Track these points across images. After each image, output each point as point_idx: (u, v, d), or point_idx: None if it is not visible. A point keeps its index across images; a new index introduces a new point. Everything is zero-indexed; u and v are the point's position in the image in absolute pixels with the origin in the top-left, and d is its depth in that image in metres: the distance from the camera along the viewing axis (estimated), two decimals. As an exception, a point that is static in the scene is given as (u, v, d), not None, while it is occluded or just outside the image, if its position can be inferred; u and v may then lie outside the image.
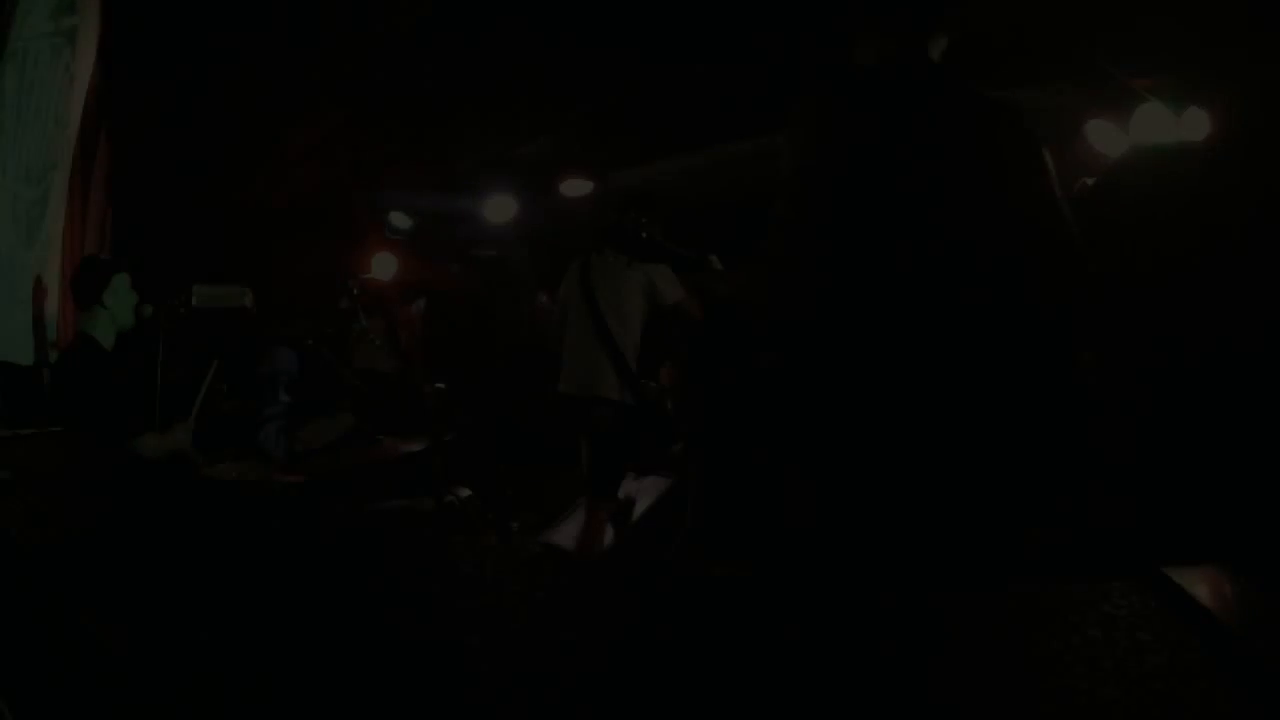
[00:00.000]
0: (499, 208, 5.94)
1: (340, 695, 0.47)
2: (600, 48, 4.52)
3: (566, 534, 4.37)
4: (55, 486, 1.03)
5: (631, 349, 3.86)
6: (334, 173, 6.59)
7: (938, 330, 1.64)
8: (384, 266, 6.38)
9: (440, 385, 2.91)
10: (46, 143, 4.11)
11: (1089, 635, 0.53)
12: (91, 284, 3.28)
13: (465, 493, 4.02)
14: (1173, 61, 3.47)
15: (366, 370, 4.72)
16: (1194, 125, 3.38)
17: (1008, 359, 1.69)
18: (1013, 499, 1.69)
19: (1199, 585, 0.57)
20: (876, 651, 0.55)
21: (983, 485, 1.65)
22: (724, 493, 3.83)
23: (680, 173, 5.63)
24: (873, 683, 0.51)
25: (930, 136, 1.67)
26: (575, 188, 5.74)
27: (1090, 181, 3.70)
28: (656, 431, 3.94)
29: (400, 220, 6.40)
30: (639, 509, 4.45)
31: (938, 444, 1.63)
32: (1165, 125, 3.44)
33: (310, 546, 0.82)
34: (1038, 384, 1.74)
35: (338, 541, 0.83)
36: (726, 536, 3.74)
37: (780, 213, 1.78)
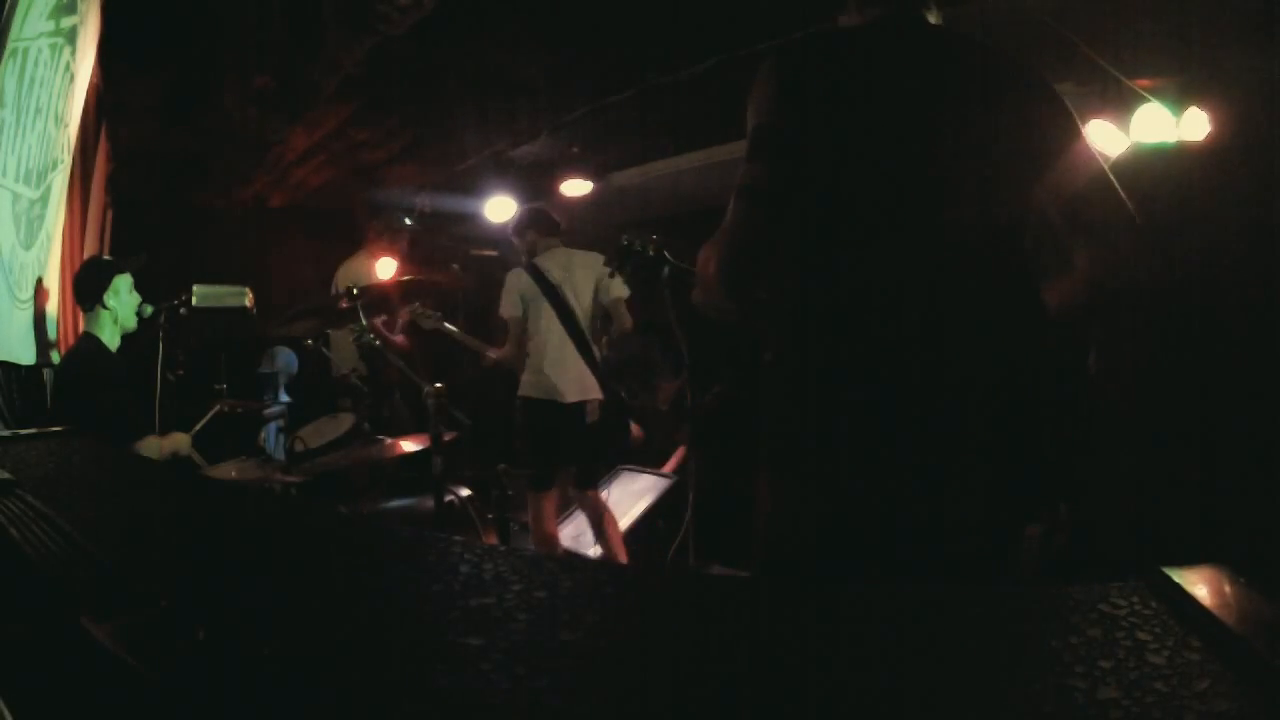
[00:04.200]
0: (499, 208, 5.95)
1: (339, 695, 0.47)
2: (600, 48, 4.52)
3: (566, 534, 4.38)
4: (55, 486, 1.02)
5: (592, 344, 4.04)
6: (334, 173, 6.60)
7: (941, 294, 1.39)
8: (385, 268, 6.39)
9: (440, 385, 2.91)
10: (46, 143, 4.11)
11: (1089, 635, 0.52)
12: (93, 285, 3.28)
13: (465, 493, 4.02)
14: (1173, 62, 3.47)
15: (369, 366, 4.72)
16: (1194, 125, 3.38)
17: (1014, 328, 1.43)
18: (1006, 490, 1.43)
19: (1199, 585, 0.57)
20: (875, 650, 0.55)
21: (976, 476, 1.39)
22: (720, 492, 3.84)
23: (680, 173, 5.63)
24: (871, 682, 0.51)
25: (916, 83, 1.46)
26: (575, 188, 5.75)
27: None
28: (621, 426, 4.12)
29: (400, 220, 6.40)
30: (639, 509, 4.45)
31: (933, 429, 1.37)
32: (1165, 125, 3.44)
33: (310, 546, 0.82)
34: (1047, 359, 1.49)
35: (338, 541, 0.83)
36: (723, 536, 3.74)
37: (755, 170, 1.51)
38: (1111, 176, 1.44)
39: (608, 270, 3.83)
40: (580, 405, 3.94)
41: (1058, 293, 1.47)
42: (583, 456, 4.03)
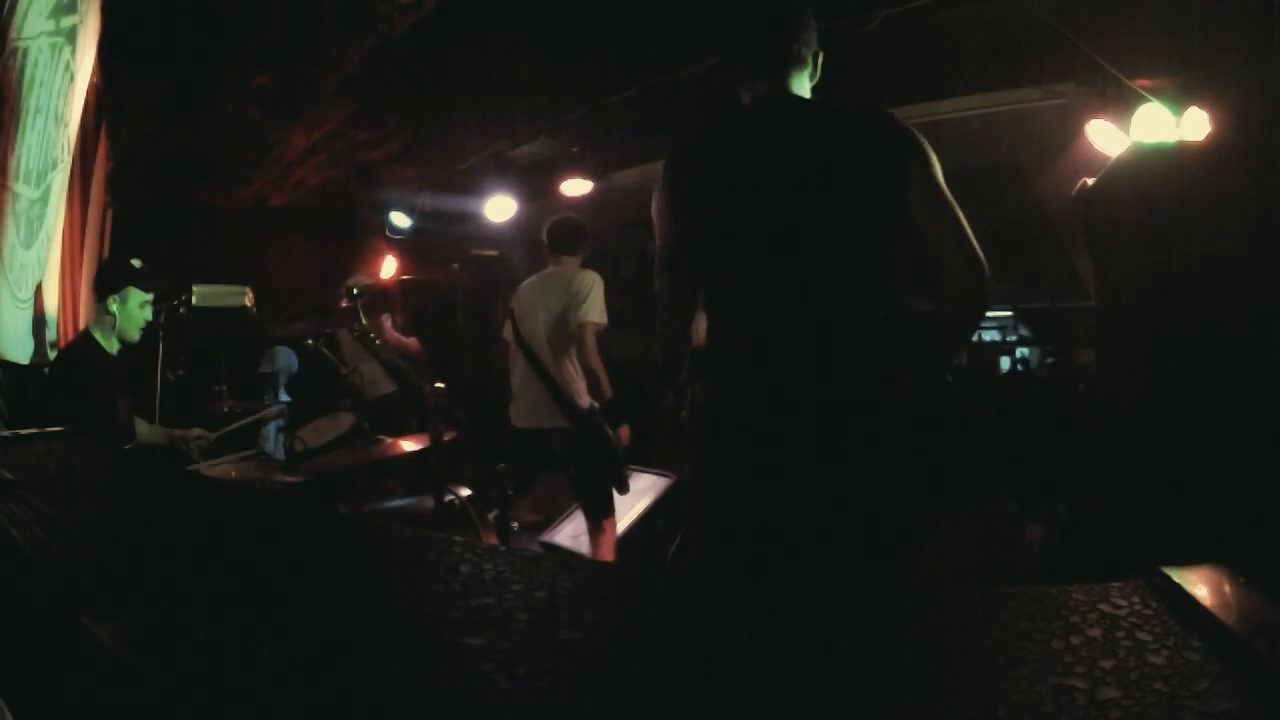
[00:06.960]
0: (499, 208, 5.95)
1: (339, 695, 0.47)
2: (600, 48, 4.52)
3: (566, 534, 4.37)
4: (55, 486, 1.02)
5: (566, 365, 3.76)
6: (334, 173, 6.60)
7: (840, 328, 1.70)
8: (385, 267, 6.40)
9: (440, 385, 2.91)
10: (47, 143, 4.11)
11: (1089, 635, 0.52)
12: (106, 281, 3.28)
13: (465, 493, 4.02)
14: (1173, 62, 3.47)
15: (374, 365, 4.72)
16: (1194, 125, 3.37)
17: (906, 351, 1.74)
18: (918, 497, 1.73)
19: (1199, 585, 0.57)
20: (874, 650, 0.55)
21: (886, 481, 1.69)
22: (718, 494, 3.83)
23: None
24: (871, 681, 0.51)
25: (799, 152, 1.76)
26: (575, 188, 5.75)
27: (1090, 181, 3.70)
28: (599, 449, 3.70)
29: (400, 220, 6.40)
30: (639, 509, 4.45)
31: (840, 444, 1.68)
32: (1165, 125, 3.44)
33: (310, 546, 0.82)
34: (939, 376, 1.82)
35: (337, 541, 0.83)
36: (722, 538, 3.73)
37: (663, 253, 1.87)
38: (959, 213, 1.73)
39: (579, 293, 3.67)
40: (536, 433, 3.80)
41: (934, 303, 1.79)
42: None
